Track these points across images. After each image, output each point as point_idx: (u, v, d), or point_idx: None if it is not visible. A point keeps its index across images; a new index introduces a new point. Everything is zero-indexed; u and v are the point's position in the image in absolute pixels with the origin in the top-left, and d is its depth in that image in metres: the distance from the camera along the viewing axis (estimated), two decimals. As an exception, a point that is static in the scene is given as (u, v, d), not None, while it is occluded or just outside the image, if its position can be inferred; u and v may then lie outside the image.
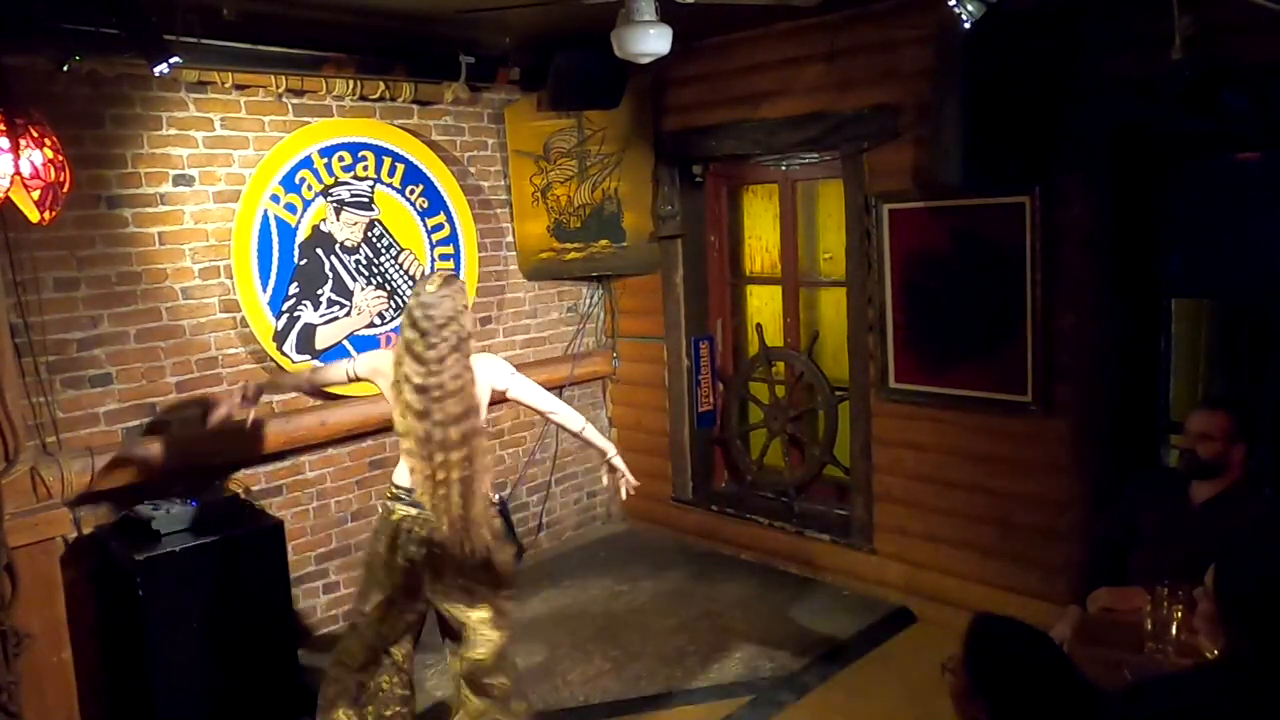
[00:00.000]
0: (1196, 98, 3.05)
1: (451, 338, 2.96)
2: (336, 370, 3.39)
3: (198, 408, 3.90)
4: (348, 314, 4.44)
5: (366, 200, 4.47)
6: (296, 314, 4.26)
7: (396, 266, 4.60)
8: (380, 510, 3.30)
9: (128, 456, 3.72)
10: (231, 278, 4.08)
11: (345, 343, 4.43)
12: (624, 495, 3.44)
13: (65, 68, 3.46)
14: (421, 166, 4.64)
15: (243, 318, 4.12)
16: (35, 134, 3.12)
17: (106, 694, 3.74)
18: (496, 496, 3.45)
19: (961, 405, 4.24)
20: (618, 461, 3.37)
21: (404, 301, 4.62)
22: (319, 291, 4.34)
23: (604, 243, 5.10)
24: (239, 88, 4.07)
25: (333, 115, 4.39)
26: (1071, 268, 3.86)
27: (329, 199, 4.34)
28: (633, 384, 5.72)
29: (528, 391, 3.27)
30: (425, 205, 4.68)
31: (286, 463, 4.34)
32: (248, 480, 4.12)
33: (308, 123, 4.28)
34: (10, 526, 3.22)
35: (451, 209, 4.78)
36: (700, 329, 5.44)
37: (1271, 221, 3.65)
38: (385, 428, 4.61)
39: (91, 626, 3.70)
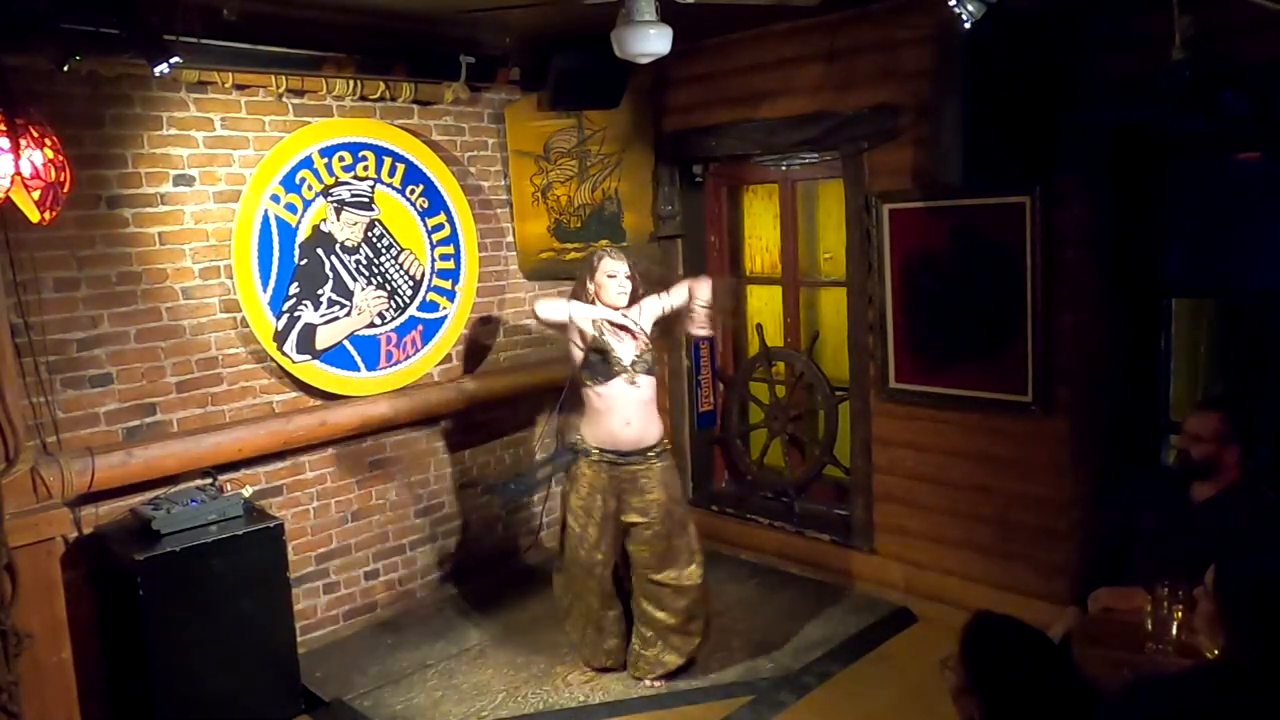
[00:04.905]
0: (1196, 98, 3.05)
1: None
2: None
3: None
4: (348, 314, 4.44)
5: (367, 200, 4.47)
6: (297, 314, 4.26)
7: (397, 266, 4.60)
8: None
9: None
10: (232, 278, 4.08)
11: (346, 343, 4.43)
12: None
13: (65, 68, 3.46)
14: (422, 166, 4.64)
15: (243, 318, 4.12)
16: (35, 134, 3.12)
17: (106, 694, 3.74)
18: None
19: (962, 405, 4.24)
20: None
21: (404, 301, 4.63)
22: (319, 291, 4.34)
23: (604, 243, 5.08)
24: (239, 88, 4.07)
25: (333, 115, 4.39)
26: (1071, 268, 3.86)
27: (329, 199, 4.34)
28: (633, 384, 5.70)
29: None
30: (425, 205, 4.68)
31: (286, 463, 4.34)
32: (248, 480, 4.12)
33: (308, 123, 4.28)
34: (10, 526, 3.22)
35: (452, 209, 4.78)
36: (700, 329, 5.43)
37: (1271, 221, 3.65)
38: (385, 428, 4.64)
39: (91, 626, 3.70)
